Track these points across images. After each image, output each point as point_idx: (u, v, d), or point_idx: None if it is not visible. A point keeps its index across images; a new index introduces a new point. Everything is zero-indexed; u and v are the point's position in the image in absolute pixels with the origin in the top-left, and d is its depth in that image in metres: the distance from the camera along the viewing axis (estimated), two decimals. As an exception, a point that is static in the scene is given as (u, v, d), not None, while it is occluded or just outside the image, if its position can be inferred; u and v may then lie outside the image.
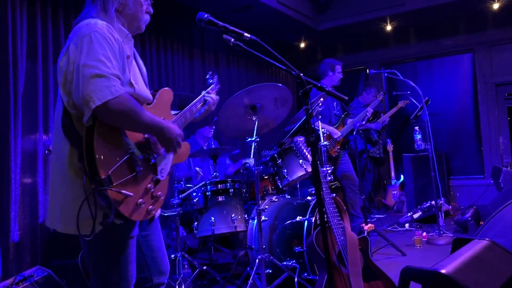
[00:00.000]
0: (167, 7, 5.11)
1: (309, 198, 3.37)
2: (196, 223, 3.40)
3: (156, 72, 4.96)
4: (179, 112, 2.01)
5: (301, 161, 3.59)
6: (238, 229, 3.35)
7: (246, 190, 3.62)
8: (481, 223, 4.76)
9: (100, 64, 1.50)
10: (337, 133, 4.44)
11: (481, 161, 6.67)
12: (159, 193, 1.72)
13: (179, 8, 5.28)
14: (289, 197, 3.82)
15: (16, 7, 3.54)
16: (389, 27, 6.64)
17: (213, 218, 3.32)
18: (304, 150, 2.59)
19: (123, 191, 1.52)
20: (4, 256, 3.32)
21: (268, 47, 1.91)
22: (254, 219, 3.41)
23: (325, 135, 3.51)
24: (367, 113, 4.71)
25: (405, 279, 1.47)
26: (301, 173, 3.58)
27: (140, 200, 1.60)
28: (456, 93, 6.90)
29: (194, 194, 3.42)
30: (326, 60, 4.77)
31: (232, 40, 1.87)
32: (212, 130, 4.45)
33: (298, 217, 3.21)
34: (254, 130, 3.17)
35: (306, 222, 3.13)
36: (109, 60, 1.53)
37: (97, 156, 1.48)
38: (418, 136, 4.98)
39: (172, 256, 3.28)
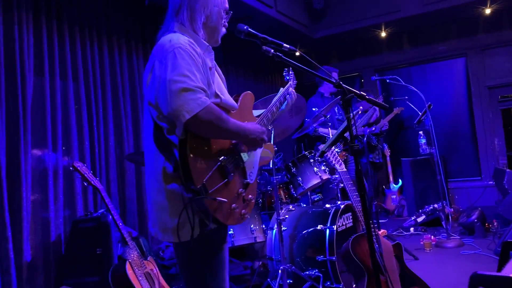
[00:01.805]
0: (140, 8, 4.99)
1: (327, 206, 3.37)
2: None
3: (127, 78, 4.90)
4: (261, 114, 2.01)
5: (316, 169, 3.60)
6: (258, 240, 3.33)
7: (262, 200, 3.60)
8: (487, 224, 4.83)
9: (185, 78, 1.53)
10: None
11: (478, 163, 6.77)
12: (250, 196, 1.76)
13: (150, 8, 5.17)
14: (304, 205, 3.81)
15: (22, 22, 3.48)
16: (383, 34, 6.74)
17: (232, 230, 3.29)
18: (331, 159, 2.58)
19: (218, 198, 1.57)
20: (17, 277, 3.22)
21: (307, 57, 1.93)
22: (273, 229, 3.39)
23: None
24: (373, 116, 4.73)
25: (475, 285, 1.47)
26: (316, 181, 3.58)
27: (234, 205, 1.65)
28: (450, 97, 7.01)
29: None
30: (322, 67, 4.80)
31: (272, 51, 1.87)
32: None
33: (319, 225, 3.20)
34: (271, 139, 3.16)
35: (327, 231, 3.12)
36: (193, 74, 1.56)
37: (191, 167, 1.52)
38: (423, 141, 5.05)
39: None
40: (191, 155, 1.53)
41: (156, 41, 1.72)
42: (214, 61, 1.84)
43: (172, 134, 1.57)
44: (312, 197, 4.60)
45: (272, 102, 2.09)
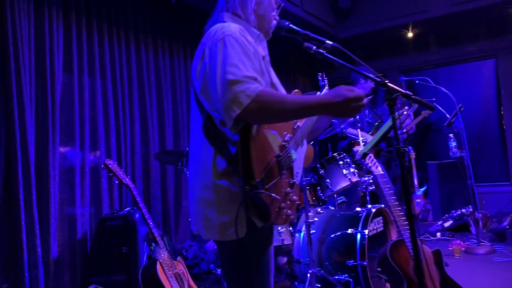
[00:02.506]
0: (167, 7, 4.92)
1: (358, 209, 3.28)
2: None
3: (184, 81, 4.89)
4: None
5: (345, 171, 3.52)
6: (285, 242, 3.27)
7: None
8: (519, 231, 4.68)
9: (234, 68, 1.45)
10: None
11: (507, 167, 6.59)
12: (295, 197, 1.67)
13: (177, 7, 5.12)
14: (332, 208, 3.73)
15: (52, 19, 3.49)
16: (410, 34, 6.61)
17: (259, 231, 3.22)
18: (367, 161, 2.51)
19: (272, 194, 1.49)
20: (44, 273, 3.22)
21: (351, 54, 1.86)
22: (301, 232, 3.33)
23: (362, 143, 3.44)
24: (406, 121, 4.62)
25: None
26: (345, 183, 3.50)
27: (282, 204, 1.56)
28: (478, 99, 6.84)
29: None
30: (358, 68, 4.70)
31: (314, 47, 1.81)
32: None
33: (349, 229, 3.12)
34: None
35: (359, 235, 3.04)
36: (243, 63, 1.48)
37: (252, 159, 1.44)
38: (453, 144, 4.91)
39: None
40: (251, 148, 1.46)
41: (204, 32, 1.65)
42: (267, 50, 1.77)
43: (226, 126, 1.51)
44: (338, 198, 4.51)
45: None
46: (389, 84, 1.76)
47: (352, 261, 3.02)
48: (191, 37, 5.00)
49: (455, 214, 5.43)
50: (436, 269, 2.27)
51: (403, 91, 1.78)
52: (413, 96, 1.78)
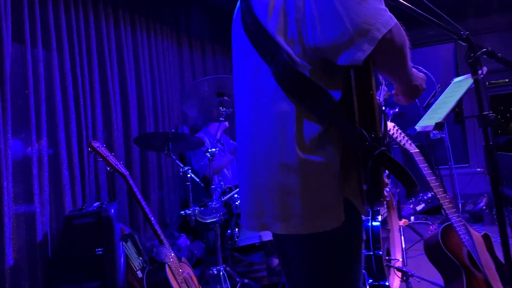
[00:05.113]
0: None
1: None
2: (237, 229, 2.92)
3: (147, 56, 4.36)
4: None
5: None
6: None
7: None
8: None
9: None
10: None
11: (465, 149, 6.71)
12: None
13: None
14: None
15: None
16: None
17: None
18: (399, 137, 2.22)
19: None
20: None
21: (431, 5, 1.55)
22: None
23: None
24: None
25: None
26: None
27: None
28: (438, 83, 6.89)
29: (235, 196, 2.94)
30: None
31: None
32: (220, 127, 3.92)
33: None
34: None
35: (372, 223, 2.77)
36: None
37: (375, 108, 1.10)
38: (433, 125, 4.84)
39: (215, 270, 2.79)
40: (370, 93, 1.11)
41: None
42: None
43: (323, 77, 1.15)
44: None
45: None
46: (472, 40, 1.48)
47: (365, 251, 2.75)
48: (152, 9, 4.48)
49: (426, 197, 5.39)
50: (489, 255, 2.06)
51: (487, 48, 1.51)
52: (499, 55, 1.51)
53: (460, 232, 1.99)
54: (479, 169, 6.39)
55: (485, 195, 4.80)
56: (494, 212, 4.66)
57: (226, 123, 3.97)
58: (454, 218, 2.00)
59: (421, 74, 1.39)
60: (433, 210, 5.31)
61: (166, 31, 4.69)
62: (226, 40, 5.82)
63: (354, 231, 1.25)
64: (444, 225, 2.09)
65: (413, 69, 1.34)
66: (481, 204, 4.63)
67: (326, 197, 1.16)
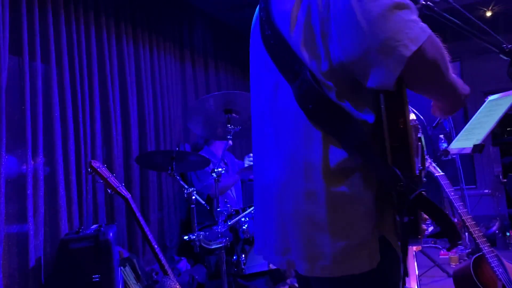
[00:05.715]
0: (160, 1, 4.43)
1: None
2: (243, 255, 2.73)
3: (149, 72, 4.22)
4: None
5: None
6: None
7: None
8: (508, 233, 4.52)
9: None
10: None
11: (473, 171, 6.56)
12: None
13: (171, 2, 4.61)
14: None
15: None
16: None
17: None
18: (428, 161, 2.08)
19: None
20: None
21: (472, 17, 1.42)
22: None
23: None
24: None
25: None
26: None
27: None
28: (444, 102, 6.80)
29: (243, 219, 2.76)
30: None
31: (421, 0, 1.35)
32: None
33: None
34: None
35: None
36: None
37: (410, 142, 0.95)
38: (444, 145, 4.67)
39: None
40: (402, 120, 0.94)
41: None
42: None
43: (345, 98, 1.00)
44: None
45: None
46: (518, 53, 1.33)
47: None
48: (155, 24, 4.36)
49: (435, 220, 5.20)
50: (526, 290, 1.89)
51: (536, 63, 1.37)
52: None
53: (493, 264, 1.83)
54: (486, 191, 6.24)
55: (497, 218, 4.63)
56: (508, 235, 4.49)
57: (230, 141, 3.81)
58: (486, 248, 1.84)
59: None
60: (441, 233, 5.12)
61: (169, 46, 4.58)
62: (230, 56, 5.71)
63: (391, 271, 1.08)
64: (475, 256, 1.92)
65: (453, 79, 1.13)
66: (494, 228, 4.46)
67: (358, 234, 1.00)
